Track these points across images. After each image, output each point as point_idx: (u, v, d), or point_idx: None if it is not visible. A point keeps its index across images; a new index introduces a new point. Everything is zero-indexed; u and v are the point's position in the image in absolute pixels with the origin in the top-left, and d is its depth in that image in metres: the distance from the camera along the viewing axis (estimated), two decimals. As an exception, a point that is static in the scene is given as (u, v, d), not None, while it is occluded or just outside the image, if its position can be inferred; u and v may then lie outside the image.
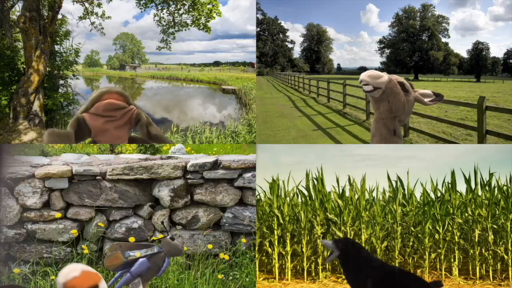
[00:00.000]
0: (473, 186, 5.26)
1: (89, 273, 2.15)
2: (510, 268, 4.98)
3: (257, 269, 4.87)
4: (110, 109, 1.96)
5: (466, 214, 5.13)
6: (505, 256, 5.01)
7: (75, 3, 9.21)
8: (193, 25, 9.97)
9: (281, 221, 5.18)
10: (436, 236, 5.10)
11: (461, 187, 5.28)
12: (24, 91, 7.29)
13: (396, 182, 5.34)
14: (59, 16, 8.20)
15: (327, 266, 5.24)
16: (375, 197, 5.30)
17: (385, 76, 2.02)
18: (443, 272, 5.05)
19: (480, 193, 5.23)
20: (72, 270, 2.14)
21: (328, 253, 5.20)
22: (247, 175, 4.50)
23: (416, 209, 5.19)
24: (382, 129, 2.05)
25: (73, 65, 8.65)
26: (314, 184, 5.33)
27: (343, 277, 5.08)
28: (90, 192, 4.37)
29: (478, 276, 5.02)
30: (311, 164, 5.47)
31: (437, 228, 5.10)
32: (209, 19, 9.79)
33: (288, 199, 5.30)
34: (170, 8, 9.94)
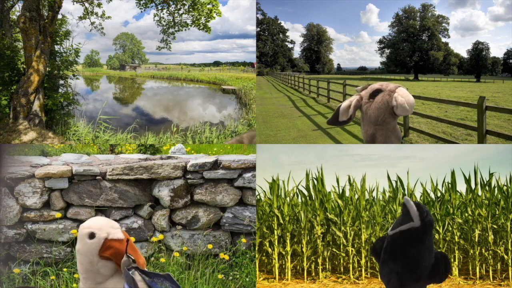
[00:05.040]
0: (473, 186, 5.26)
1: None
2: (510, 268, 4.98)
3: (257, 269, 4.87)
4: None
5: (466, 214, 5.13)
6: (505, 256, 5.00)
7: (75, 3, 9.21)
8: (193, 25, 9.97)
9: (281, 221, 5.18)
10: (436, 236, 5.10)
11: (461, 187, 5.29)
12: (24, 91, 7.29)
13: (396, 182, 5.34)
14: (59, 16, 8.19)
15: (327, 266, 5.23)
16: (375, 197, 5.30)
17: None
18: (443, 272, 5.05)
19: (480, 193, 5.23)
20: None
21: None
22: (247, 175, 4.49)
23: (416, 209, 5.19)
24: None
25: (73, 65, 8.63)
26: (314, 184, 5.32)
27: (343, 277, 5.07)
28: (90, 192, 4.37)
29: (478, 276, 5.01)
30: (311, 164, 5.47)
31: (437, 228, 5.09)
32: (209, 19, 9.78)
33: (288, 199, 5.30)
34: (170, 8, 9.94)
